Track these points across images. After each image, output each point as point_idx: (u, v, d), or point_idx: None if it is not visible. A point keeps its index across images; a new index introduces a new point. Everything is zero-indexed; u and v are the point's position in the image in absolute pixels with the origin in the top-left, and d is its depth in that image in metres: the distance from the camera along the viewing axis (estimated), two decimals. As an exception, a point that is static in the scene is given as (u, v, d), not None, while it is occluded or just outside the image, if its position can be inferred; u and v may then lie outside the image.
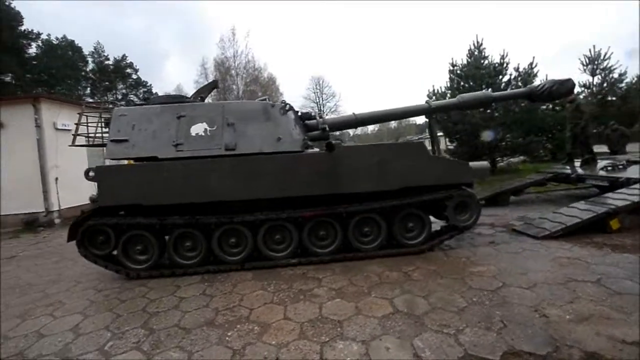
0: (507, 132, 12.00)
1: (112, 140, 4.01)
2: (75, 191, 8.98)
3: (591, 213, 4.46)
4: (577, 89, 15.84)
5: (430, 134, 4.96)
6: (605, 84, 16.03)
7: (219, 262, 4.09)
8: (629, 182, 5.22)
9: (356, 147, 4.44)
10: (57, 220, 9.15)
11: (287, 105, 4.31)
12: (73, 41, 32.40)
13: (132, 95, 35.41)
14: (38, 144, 9.01)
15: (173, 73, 60.47)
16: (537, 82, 10.22)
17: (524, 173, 10.13)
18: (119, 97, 35.00)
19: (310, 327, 2.64)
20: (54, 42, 30.98)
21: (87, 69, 34.47)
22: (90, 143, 4.50)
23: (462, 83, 12.83)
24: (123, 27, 56.09)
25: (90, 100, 28.48)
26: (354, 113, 4.93)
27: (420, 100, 4.75)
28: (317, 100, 37.90)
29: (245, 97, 24.56)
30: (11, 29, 25.49)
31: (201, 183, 3.85)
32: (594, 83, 16.27)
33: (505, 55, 12.43)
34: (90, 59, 34.68)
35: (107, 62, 35.44)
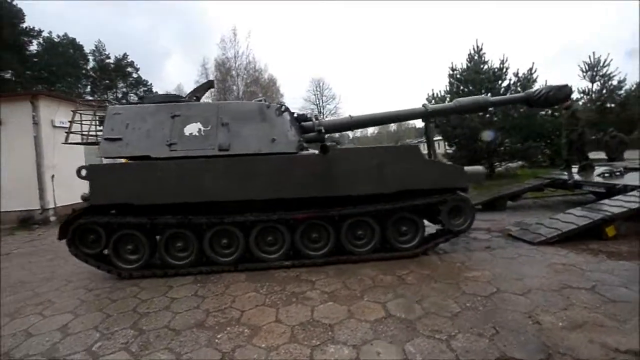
0: (506, 137, 12.01)
1: (105, 139, 3.99)
2: (71, 189, 8.86)
3: (587, 219, 4.44)
4: (576, 96, 15.96)
5: (427, 138, 4.95)
6: (604, 91, 16.09)
7: (211, 263, 4.05)
8: (625, 189, 5.21)
9: (350, 150, 4.42)
10: (52, 218, 9.10)
11: (283, 107, 4.30)
12: (74, 39, 32.46)
13: (132, 94, 35.41)
14: (35, 141, 8.98)
15: (174, 73, 60.73)
16: (536, 87, 10.24)
17: (522, 178, 10.12)
18: (119, 95, 35.00)
19: (302, 330, 2.62)
20: (55, 39, 31.03)
21: (88, 67, 34.48)
22: (84, 141, 4.47)
23: (461, 87, 12.85)
24: (126, 27, 56.51)
25: (90, 98, 28.46)
26: (350, 115, 4.93)
27: (420, 103, 4.73)
28: (317, 102, 38.01)
29: (245, 98, 24.55)
30: (12, 26, 25.51)
31: (194, 183, 3.82)
32: (593, 90, 16.34)
33: (505, 60, 12.47)
34: (91, 57, 34.73)
35: (107, 61, 35.49)
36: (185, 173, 3.83)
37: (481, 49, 12.94)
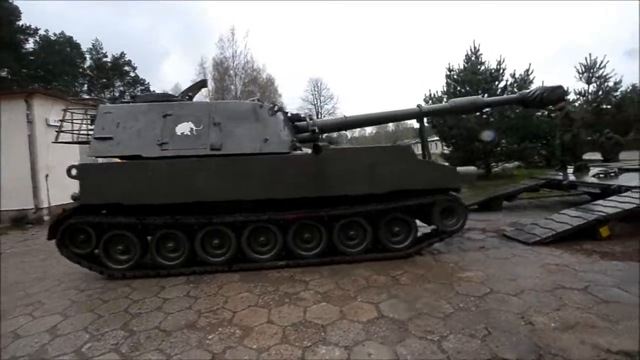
0: (502, 138, 12.05)
1: (96, 138, 3.95)
2: (65, 188, 8.77)
3: (581, 220, 4.45)
4: (572, 97, 16.05)
5: (421, 138, 4.94)
6: (600, 92, 16.17)
7: (204, 263, 4.02)
8: (620, 190, 5.22)
9: (343, 150, 4.39)
10: (46, 218, 9.02)
11: (276, 106, 4.27)
12: (71, 37, 32.31)
13: (129, 93, 35.24)
14: (29, 140, 8.91)
15: (172, 72, 60.55)
16: (532, 88, 10.28)
17: (518, 179, 10.14)
18: (117, 94, 34.82)
19: (294, 331, 2.60)
20: (51, 38, 30.83)
21: (85, 66, 34.30)
22: (75, 140, 4.43)
23: (458, 88, 12.88)
24: (126, 27, 56.29)
25: (87, 97, 28.31)
26: (344, 115, 4.93)
27: (417, 104, 4.73)
28: (315, 102, 38.02)
29: (243, 98, 24.49)
30: (9, 24, 25.33)
31: (186, 183, 3.79)
32: (589, 91, 16.42)
33: (502, 61, 12.52)
34: (88, 56, 34.55)
35: (105, 59, 35.30)
36: (177, 173, 3.79)
37: (478, 49, 12.99)
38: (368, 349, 2.30)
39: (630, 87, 17.29)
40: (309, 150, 4.19)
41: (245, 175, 3.84)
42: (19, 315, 3.21)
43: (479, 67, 12.77)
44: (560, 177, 6.99)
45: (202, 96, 21.78)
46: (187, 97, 4.59)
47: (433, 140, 17.84)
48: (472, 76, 12.45)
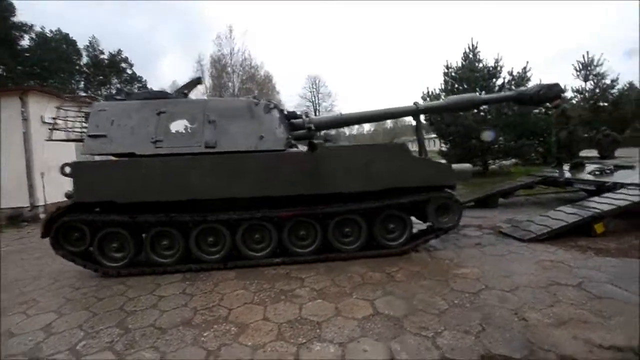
0: (500, 135, 12.07)
1: (89, 136, 3.92)
2: (61, 186, 8.73)
3: (577, 217, 4.47)
4: (570, 94, 16.09)
5: (417, 136, 4.94)
6: (597, 90, 16.23)
7: (200, 261, 4.02)
8: (615, 187, 5.25)
9: (338, 147, 4.38)
10: (42, 216, 8.96)
11: (272, 104, 4.26)
12: (67, 34, 31.93)
13: (125, 90, 34.98)
14: (24, 137, 8.85)
15: (169, 69, 60.14)
16: (529, 85, 10.28)
17: (515, 176, 10.17)
18: (113, 91, 34.53)
19: (289, 328, 2.60)
20: (47, 34, 30.49)
21: (82, 63, 33.99)
22: (69, 138, 4.40)
23: (456, 85, 12.89)
24: (126, 26, 55.79)
25: (84, 94, 28.10)
26: (340, 112, 4.91)
27: (415, 101, 4.74)
28: (313, 100, 37.95)
29: (241, 95, 24.40)
30: (3, 20, 25.04)
31: (180, 181, 3.77)
32: (587, 88, 16.47)
33: (499, 58, 12.54)
34: (84, 53, 34.22)
35: (102, 57, 34.99)
36: (171, 170, 3.77)
37: (476, 47, 12.99)
38: (363, 346, 2.31)
39: (628, 85, 17.33)
40: (305, 148, 4.18)
41: (240, 172, 3.83)
42: (13, 313, 3.20)
43: (477, 64, 12.77)
44: (557, 174, 7.01)
45: (199, 93, 21.65)
46: (182, 95, 4.56)
47: (431, 138, 17.87)
48: (470, 74, 12.46)
